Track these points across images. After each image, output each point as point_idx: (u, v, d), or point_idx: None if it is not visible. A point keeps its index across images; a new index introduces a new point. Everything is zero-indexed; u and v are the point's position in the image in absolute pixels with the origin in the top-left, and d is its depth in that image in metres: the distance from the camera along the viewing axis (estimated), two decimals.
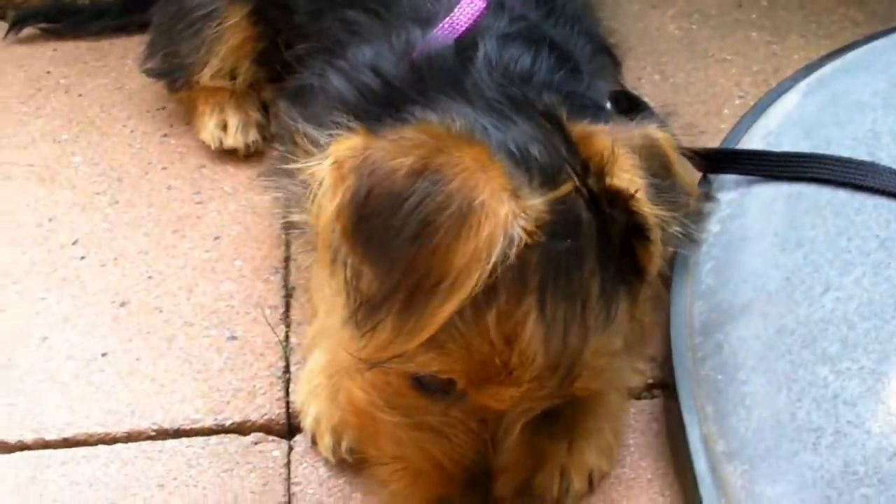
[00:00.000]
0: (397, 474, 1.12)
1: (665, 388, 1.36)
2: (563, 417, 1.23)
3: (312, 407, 1.28)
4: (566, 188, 1.04)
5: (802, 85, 1.57)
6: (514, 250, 0.95)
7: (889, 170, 1.31)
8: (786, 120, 1.51)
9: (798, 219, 1.33)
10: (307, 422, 1.29)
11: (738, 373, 1.24)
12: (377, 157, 1.00)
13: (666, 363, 1.36)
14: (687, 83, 1.80)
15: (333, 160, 1.02)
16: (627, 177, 1.05)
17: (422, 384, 1.07)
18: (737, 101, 1.71)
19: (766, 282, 1.29)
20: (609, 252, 1.06)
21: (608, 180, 1.06)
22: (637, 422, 1.33)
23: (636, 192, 1.05)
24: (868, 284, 1.22)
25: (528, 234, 0.97)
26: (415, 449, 1.09)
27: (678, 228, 1.24)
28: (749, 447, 1.19)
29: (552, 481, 1.24)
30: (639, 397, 1.36)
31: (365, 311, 1.03)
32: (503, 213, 0.95)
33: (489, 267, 0.94)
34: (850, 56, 1.59)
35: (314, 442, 1.29)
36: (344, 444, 1.26)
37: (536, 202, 0.99)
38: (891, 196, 1.29)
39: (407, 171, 0.97)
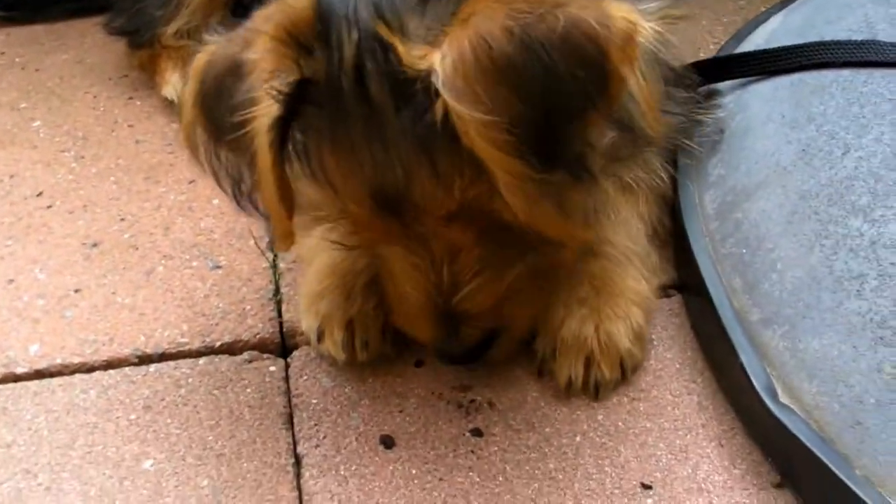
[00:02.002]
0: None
1: (681, 287, 1.29)
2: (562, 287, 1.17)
3: (323, 303, 1.18)
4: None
5: (783, 10, 1.56)
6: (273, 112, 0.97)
7: (891, 44, 1.29)
8: (774, 33, 1.49)
9: (804, 100, 1.29)
10: (315, 321, 1.19)
11: (763, 242, 1.18)
12: (210, 58, 1.05)
13: (680, 263, 1.30)
14: None
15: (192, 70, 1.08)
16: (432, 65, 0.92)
17: None
18: (711, 46, 1.68)
19: (780, 158, 1.24)
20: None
21: (403, 60, 0.94)
22: (656, 318, 1.24)
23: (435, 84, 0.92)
24: (889, 140, 1.18)
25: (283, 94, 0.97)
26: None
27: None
28: (786, 308, 1.12)
29: (576, 371, 1.14)
30: None
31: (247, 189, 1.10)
32: (263, 97, 0.97)
33: (269, 122, 0.97)
34: None
35: (321, 340, 1.18)
36: (359, 338, 1.17)
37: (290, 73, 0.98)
38: None
39: (224, 69, 1.02)
